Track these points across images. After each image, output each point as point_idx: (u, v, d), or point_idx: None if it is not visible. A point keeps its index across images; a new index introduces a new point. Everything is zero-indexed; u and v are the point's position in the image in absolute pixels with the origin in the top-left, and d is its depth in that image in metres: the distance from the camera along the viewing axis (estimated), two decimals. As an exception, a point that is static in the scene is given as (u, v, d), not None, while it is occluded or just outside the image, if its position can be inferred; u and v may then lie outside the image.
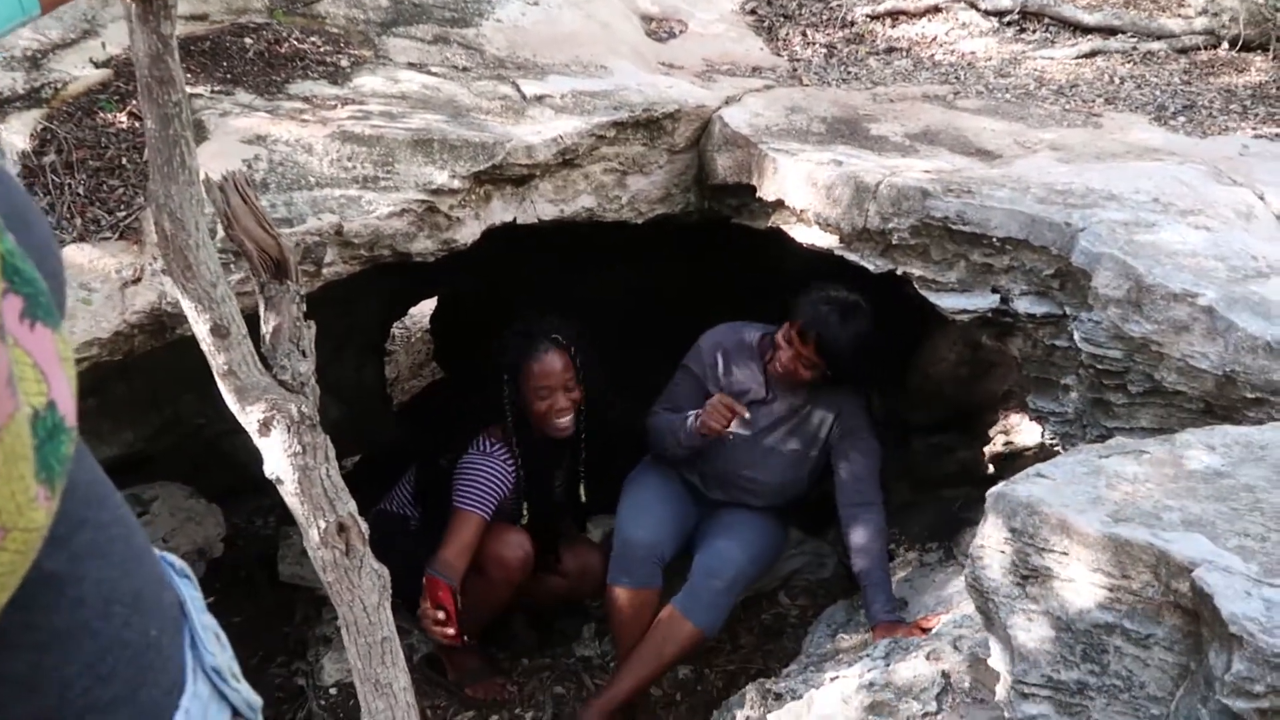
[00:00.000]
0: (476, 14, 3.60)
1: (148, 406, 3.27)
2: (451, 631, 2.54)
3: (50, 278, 0.57)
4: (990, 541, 1.74)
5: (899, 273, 2.80)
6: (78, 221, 2.38)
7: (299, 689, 3.09)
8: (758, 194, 3.06)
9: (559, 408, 2.89)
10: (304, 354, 1.83)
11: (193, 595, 0.80)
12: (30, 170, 2.42)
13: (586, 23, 3.78)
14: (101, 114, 2.62)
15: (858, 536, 2.84)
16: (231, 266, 2.27)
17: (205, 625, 0.79)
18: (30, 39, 2.76)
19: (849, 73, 4.00)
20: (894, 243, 2.75)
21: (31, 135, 2.50)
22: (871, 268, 2.82)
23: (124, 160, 2.52)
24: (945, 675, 2.04)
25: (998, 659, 1.74)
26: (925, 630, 2.45)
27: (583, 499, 3.12)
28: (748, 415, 2.87)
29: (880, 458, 3.00)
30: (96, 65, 2.78)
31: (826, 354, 2.84)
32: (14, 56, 2.69)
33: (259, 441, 1.78)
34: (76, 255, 2.33)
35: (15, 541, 0.49)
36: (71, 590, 0.63)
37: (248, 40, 3.03)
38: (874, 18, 4.52)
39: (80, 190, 2.43)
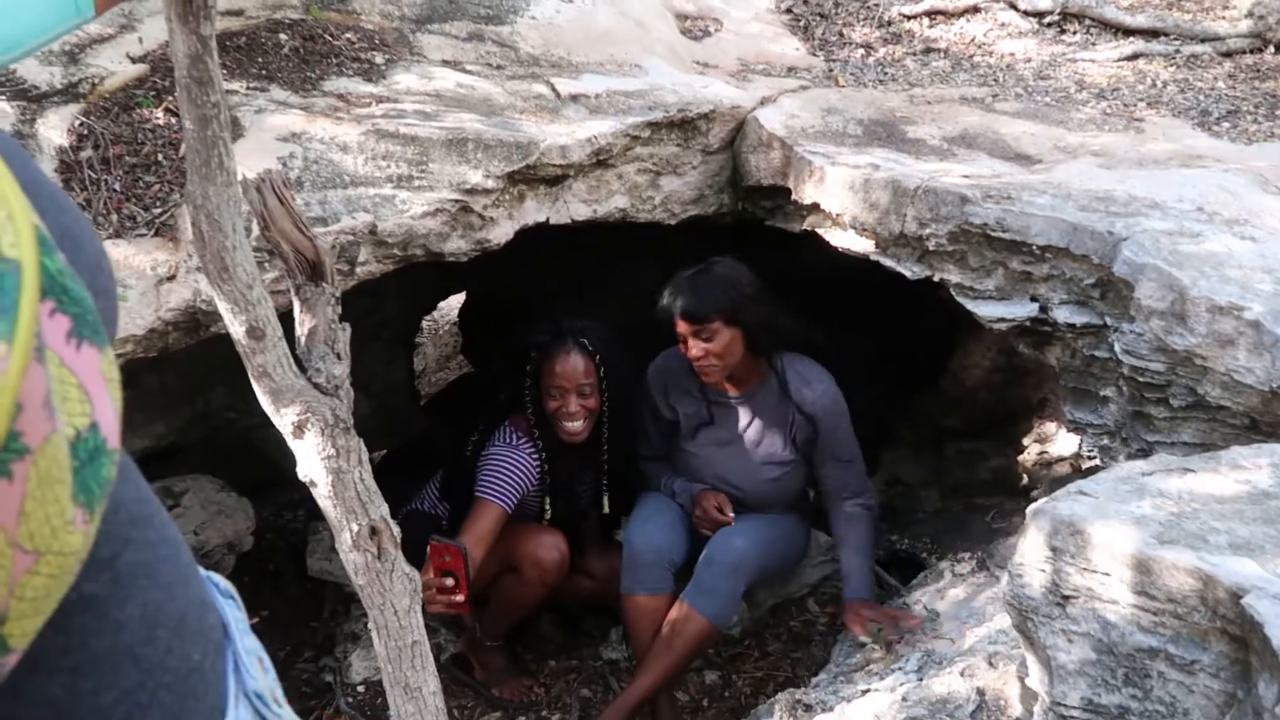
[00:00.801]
0: (511, 11, 3.58)
1: (179, 399, 3.29)
2: (460, 599, 2.40)
3: (101, 296, 0.56)
4: (1030, 559, 1.71)
5: (935, 279, 2.76)
6: (114, 218, 2.38)
7: (326, 685, 3.10)
8: (793, 196, 3.03)
9: (569, 410, 2.86)
10: (339, 357, 1.82)
11: (237, 617, 0.78)
12: (67, 166, 2.42)
13: (621, 21, 3.76)
14: (138, 110, 2.63)
15: (836, 530, 2.94)
16: (266, 265, 2.26)
17: (248, 649, 0.77)
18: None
19: (886, 74, 3.96)
20: (931, 249, 2.72)
21: (69, 130, 2.51)
22: (908, 274, 2.79)
23: (160, 157, 2.52)
24: (980, 692, 2.01)
25: (1036, 679, 1.72)
26: (894, 619, 2.54)
27: (605, 509, 3.09)
28: (731, 518, 2.91)
29: (853, 453, 2.96)
30: (133, 60, 2.79)
31: (701, 315, 2.73)
32: (52, 51, 2.69)
33: (293, 444, 1.78)
34: (112, 252, 2.33)
35: (49, 565, 0.48)
36: (115, 613, 0.62)
37: (283, 36, 3.03)
38: (911, 17, 4.47)
39: (117, 186, 2.43)
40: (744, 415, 2.96)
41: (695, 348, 2.78)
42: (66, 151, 2.45)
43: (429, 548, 2.43)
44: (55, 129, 2.50)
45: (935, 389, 3.95)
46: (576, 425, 2.88)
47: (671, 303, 2.78)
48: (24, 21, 1.20)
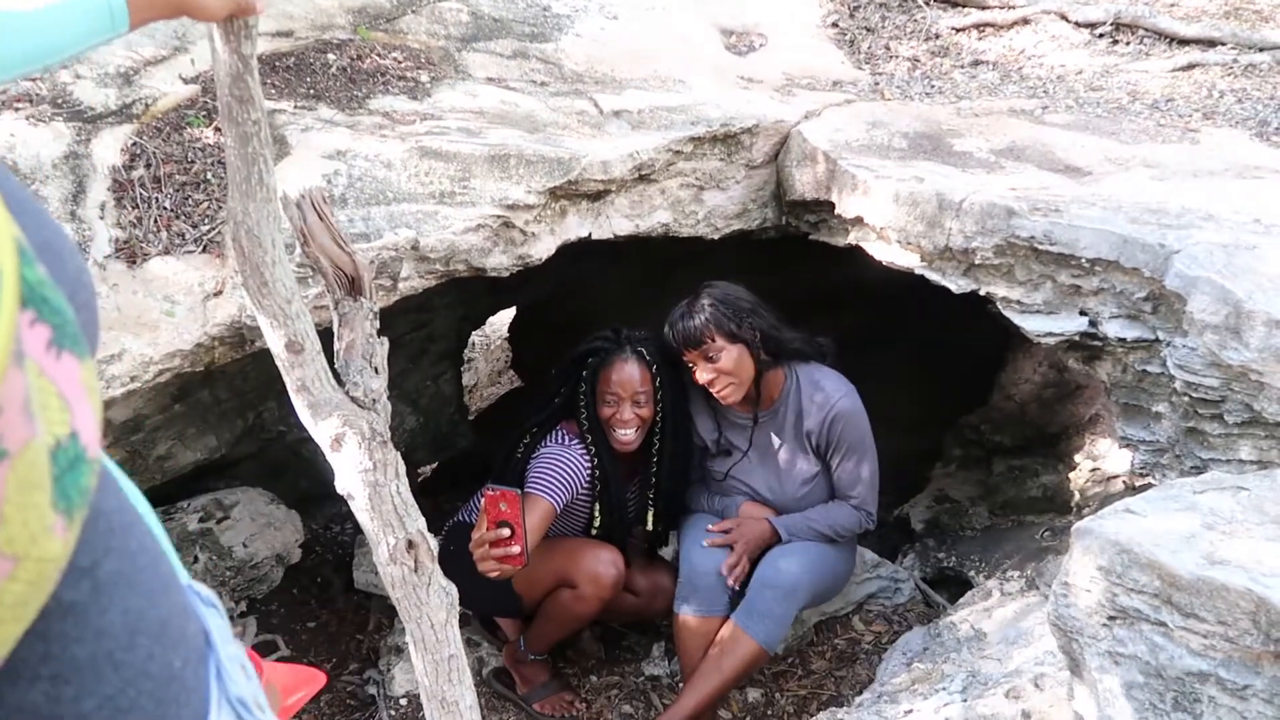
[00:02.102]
0: (556, 29, 3.61)
1: (233, 413, 3.34)
2: (517, 550, 2.36)
3: (82, 309, 0.57)
4: (1075, 579, 1.67)
5: (982, 293, 2.72)
6: (163, 235, 2.43)
7: (370, 698, 3.12)
8: (837, 210, 3.01)
9: (622, 419, 2.85)
10: (376, 370, 1.84)
11: (219, 625, 0.79)
12: (120, 184, 2.48)
13: (665, 37, 3.77)
14: (189, 129, 2.68)
15: None
16: (309, 281, 2.30)
17: (231, 656, 0.78)
18: (124, 56, 2.84)
19: (933, 87, 3.92)
20: (977, 262, 2.68)
21: (122, 150, 2.57)
22: (954, 288, 2.75)
23: (209, 175, 2.57)
24: (1026, 715, 1.96)
25: (1082, 702, 1.67)
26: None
27: (649, 526, 3.08)
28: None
29: (864, 463, 2.91)
30: (185, 81, 2.85)
31: (699, 336, 2.74)
32: (108, 73, 2.76)
33: (331, 457, 1.79)
34: (161, 268, 2.38)
35: (28, 572, 0.48)
36: (96, 620, 0.62)
37: (331, 56, 3.08)
38: (959, 30, 4.42)
39: (167, 204, 2.49)
40: (767, 433, 2.94)
41: (705, 371, 2.78)
42: (119, 170, 2.50)
43: (484, 499, 2.40)
44: (109, 148, 2.56)
45: (985, 404, 3.90)
46: (629, 434, 2.87)
47: (671, 333, 2.80)
48: (65, 34, 1.24)
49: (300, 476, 3.69)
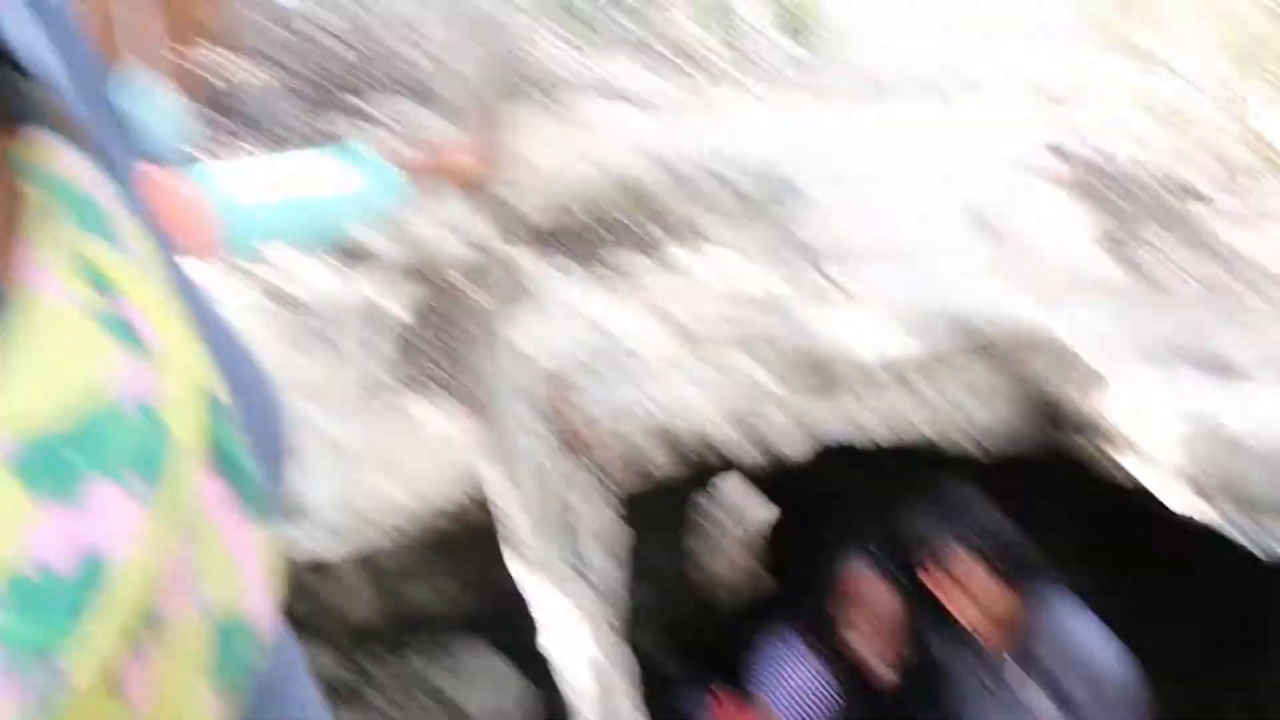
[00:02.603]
0: (800, 203, 3.59)
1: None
2: None
3: (271, 460, 0.54)
4: None
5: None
6: (430, 385, 2.54)
7: None
8: (1104, 430, 2.78)
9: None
10: (615, 557, 1.82)
11: None
12: (408, 343, 2.62)
13: (915, 221, 3.70)
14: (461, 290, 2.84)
15: None
16: (554, 453, 2.31)
17: None
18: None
19: (1211, 295, 3.66)
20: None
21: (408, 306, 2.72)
22: (1259, 553, 2.39)
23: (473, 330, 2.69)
24: None
25: None
26: None
27: None
28: None
29: None
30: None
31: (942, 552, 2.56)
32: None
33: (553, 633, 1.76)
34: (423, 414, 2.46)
35: None
36: None
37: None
38: (1239, 235, 4.13)
39: (439, 357, 2.60)
40: (1017, 674, 2.66)
41: (942, 585, 2.61)
42: (410, 328, 2.66)
43: (714, 706, 2.38)
44: (394, 301, 2.73)
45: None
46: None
47: (906, 535, 2.71)
48: (352, 196, 1.32)
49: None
